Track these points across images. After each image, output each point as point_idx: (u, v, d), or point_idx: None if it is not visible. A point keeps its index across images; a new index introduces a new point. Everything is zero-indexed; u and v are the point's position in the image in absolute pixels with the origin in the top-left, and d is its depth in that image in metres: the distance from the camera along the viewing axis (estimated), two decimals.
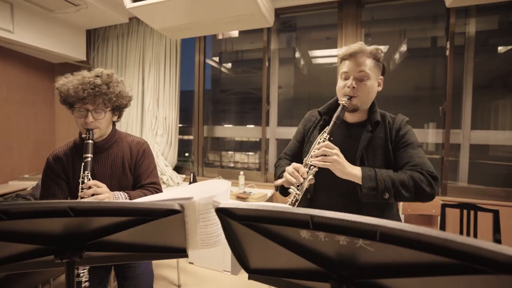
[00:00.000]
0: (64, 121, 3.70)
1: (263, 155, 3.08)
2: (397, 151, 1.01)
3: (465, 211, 1.86)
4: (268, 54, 3.05)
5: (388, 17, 2.95)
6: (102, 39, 3.45)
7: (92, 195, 1.02)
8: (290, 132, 3.17)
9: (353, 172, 0.95)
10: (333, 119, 1.01)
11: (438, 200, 2.35)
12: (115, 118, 1.22)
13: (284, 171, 1.09)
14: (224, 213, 0.54)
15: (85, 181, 1.03)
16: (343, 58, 1.05)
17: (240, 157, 3.79)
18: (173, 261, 2.56)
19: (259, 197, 2.47)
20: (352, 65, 1.01)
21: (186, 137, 3.65)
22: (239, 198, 2.49)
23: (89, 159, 1.05)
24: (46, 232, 0.54)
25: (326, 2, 2.71)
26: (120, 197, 1.10)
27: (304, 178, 0.96)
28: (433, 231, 0.35)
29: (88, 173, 1.04)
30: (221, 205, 0.53)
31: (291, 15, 3.03)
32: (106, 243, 0.59)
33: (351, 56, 1.01)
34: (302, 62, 3.42)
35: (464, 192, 2.43)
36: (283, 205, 0.51)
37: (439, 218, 2.27)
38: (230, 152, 3.84)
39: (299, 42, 3.44)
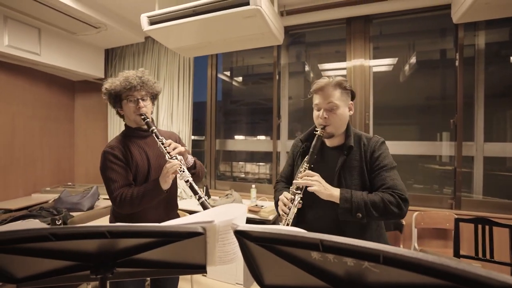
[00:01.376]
0: (82, 136, 3.88)
1: (274, 168, 3.12)
2: (372, 173, 1.11)
3: (479, 226, 1.84)
4: (278, 68, 3.14)
5: (396, 31, 2.99)
6: (119, 57, 3.63)
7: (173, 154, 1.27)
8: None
9: (333, 194, 1.07)
10: (311, 148, 1.15)
11: (452, 214, 2.32)
12: (152, 108, 1.46)
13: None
14: (241, 235, 0.59)
15: (164, 142, 1.28)
16: (312, 92, 1.18)
17: (251, 167, 3.84)
18: None
19: (270, 210, 2.50)
20: (321, 98, 1.14)
21: (197, 149, 3.74)
22: (251, 211, 2.53)
23: (155, 129, 1.31)
24: (84, 250, 0.60)
25: (335, 19, 2.79)
26: (189, 156, 1.38)
27: (292, 201, 1.11)
28: (430, 257, 0.40)
29: (163, 138, 1.29)
30: (239, 228, 0.59)
31: (301, 31, 3.11)
32: (135, 260, 0.66)
33: (319, 90, 1.15)
34: (311, 75, 3.49)
35: (479, 206, 2.39)
36: (296, 229, 0.56)
37: (453, 232, 2.24)
38: (241, 163, 3.90)
39: (308, 56, 3.53)
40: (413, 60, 3.02)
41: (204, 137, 3.68)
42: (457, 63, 2.45)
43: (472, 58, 2.52)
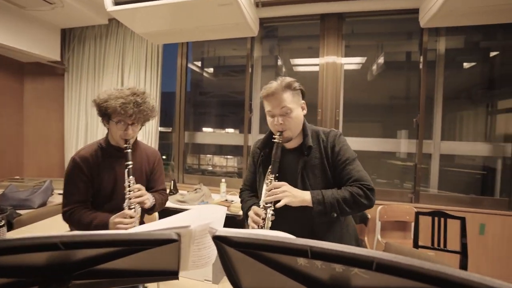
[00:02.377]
0: (32, 125, 3.49)
1: (245, 161, 3.08)
2: (337, 168, 1.11)
3: (436, 218, 1.98)
4: (251, 61, 3.07)
5: (367, 31, 3.08)
6: (78, 39, 3.30)
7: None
8: None
9: (305, 198, 1.05)
10: (272, 158, 1.11)
11: (412, 207, 2.48)
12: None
13: (249, 207, 1.20)
14: (221, 240, 0.54)
15: (131, 185, 1.19)
16: (264, 98, 1.13)
17: (219, 160, 3.77)
18: None
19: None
20: (273, 104, 1.10)
21: (164, 142, 3.57)
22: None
23: (130, 166, 1.20)
24: (31, 263, 0.51)
25: (310, 14, 2.79)
26: (150, 199, 1.30)
27: (264, 219, 1.06)
28: (426, 264, 0.38)
29: (133, 178, 1.20)
30: (219, 233, 0.53)
31: (275, 25, 3.07)
32: (95, 271, 0.57)
33: (269, 96, 1.10)
34: (284, 69, 3.48)
35: (435, 199, 2.58)
36: (282, 235, 0.52)
37: (412, 224, 2.39)
38: (208, 156, 3.80)
39: (281, 51, 3.51)
40: (381, 60, 3.15)
41: (171, 128, 3.52)
42: (421, 66, 2.58)
43: (434, 62, 2.68)
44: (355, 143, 2.79)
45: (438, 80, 2.67)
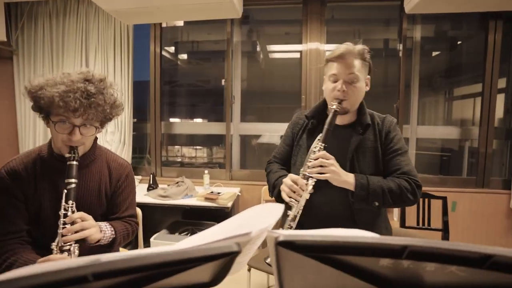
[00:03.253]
0: None
1: (228, 152, 2.97)
2: (386, 156, 1.05)
3: (421, 199, 2.07)
4: (231, 46, 2.92)
5: (347, 17, 3.09)
6: (28, 16, 2.86)
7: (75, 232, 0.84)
8: (254, 128, 3.12)
9: (348, 181, 0.97)
10: (326, 125, 1.00)
11: None
12: (100, 131, 0.99)
13: (279, 177, 1.08)
14: (286, 246, 0.46)
15: (69, 213, 0.82)
16: (329, 60, 1.04)
17: (188, 151, 3.60)
18: None
19: (229, 196, 2.38)
20: (341, 67, 1.00)
21: (135, 133, 3.31)
22: (207, 199, 2.36)
23: (73, 185, 0.84)
24: None
25: None
26: (106, 231, 0.95)
27: (303, 190, 0.95)
28: None
29: (73, 204, 0.83)
30: (284, 238, 0.44)
31: (255, 7, 2.93)
32: None
33: (339, 58, 1.00)
34: (261, 56, 3.37)
35: None
36: (367, 234, 0.45)
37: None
38: (176, 147, 3.62)
39: (258, 36, 3.39)
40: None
41: (144, 120, 3.26)
42: (400, 54, 2.65)
43: (410, 50, 2.77)
44: None
45: (414, 67, 2.76)
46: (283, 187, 0.99)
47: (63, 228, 0.81)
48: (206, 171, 2.73)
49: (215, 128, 3.14)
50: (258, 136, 3.20)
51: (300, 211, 0.95)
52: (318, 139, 1.00)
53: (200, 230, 2.61)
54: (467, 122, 3.04)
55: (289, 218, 0.95)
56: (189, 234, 2.50)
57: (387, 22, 3.00)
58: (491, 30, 2.49)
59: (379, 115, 1.11)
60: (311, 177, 0.96)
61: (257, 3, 2.77)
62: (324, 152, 0.97)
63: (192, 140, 3.66)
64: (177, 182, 2.61)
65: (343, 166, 1.00)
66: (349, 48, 1.00)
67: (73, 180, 0.85)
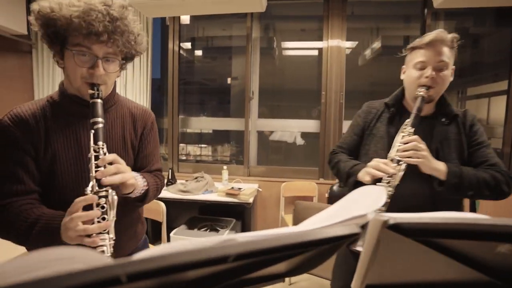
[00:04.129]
0: None
1: (246, 148, 2.95)
2: (471, 148, 1.02)
3: None
4: (250, 42, 2.90)
5: (367, 13, 3.05)
6: None
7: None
8: (271, 124, 3.09)
9: (439, 167, 0.93)
10: (414, 110, 0.96)
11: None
12: (121, 71, 0.86)
13: (354, 166, 1.05)
14: (395, 229, 0.43)
15: (101, 155, 0.70)
16: (416, 47, 0.99)
17: (192, 149, 3.58)
18: None
19: (250, 192, 2.36)
20: (431, 54, 0.96)
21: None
22: (229, 194, 2.34)
23: (101, 125, 0.72)
24: None
25: None
26: (139, 180, 0.82)
27: (394, 173, 0.91)
28: None
29: (104, 145, 0.71)
30: (395, 221, 0.42)
31: (275, 2, 2.90)
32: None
33: (429, 45, 0.96)
34: (277, 52, 3.35)
35: None
36: (486, 217, 0.42)
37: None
38: (182, 145, 3.61)
39: (275, 32, 3.36)
40: (375, 44, 3.15)
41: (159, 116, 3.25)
42: None
43: None
44: None
45: None
46: (369, 170, 0.94)
47: (96, 170, 0.68)
48: (225, 167, 2.71)
49: (233, 124, 3.12)
50: (272, 133, 3.18)
51: (391, 195, 0.90)
52: (406, 124, 0.97)
53: (219, 226, 2.60)
54: (481, 122, 3.00)
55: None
56: (208, 230, 2.48)
57: (408, 18, 2.96)
58: None
59: (458, 109, 1.08)
60: (401, 160, 0.92)
61: None
62: (416, 136, 0.93)
63: (200, 138, 3.64)
64: (196, 178, 2.59)
65: None
66: (440, 34, 0.96)
67: (100, 119, 0.71)
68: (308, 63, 3.36)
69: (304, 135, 3.22)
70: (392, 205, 0.89)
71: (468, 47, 3.07)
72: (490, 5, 2.03)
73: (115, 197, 0.70)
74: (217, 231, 2.46)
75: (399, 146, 0.93)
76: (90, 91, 0.74)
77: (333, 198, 2.59)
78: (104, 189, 0.68)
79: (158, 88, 3.65)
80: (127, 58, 0.82)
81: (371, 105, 1.16)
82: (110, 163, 0.71)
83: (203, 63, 3.72)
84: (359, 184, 0.99)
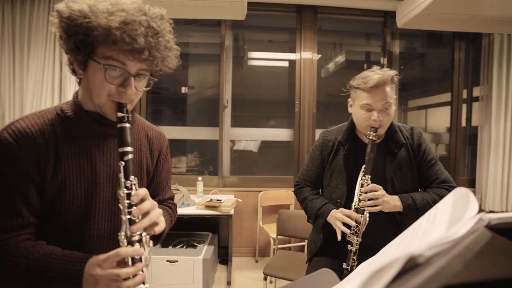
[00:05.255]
0: None
1: (220, 158, 2.86)
2: (422, 168, 1.10)
3: None
4: (224, 50, 2.85)
5: (332, 28, 3.26)
6: None
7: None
8: (245, 134, 3.05)
9: (397, 205, 1.03)
10: (367, 157, 1.01)
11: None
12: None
13: (322, 206, 1.11)
14: (496, 230, 0.43)
15: (133, 192, 0.60)
16: (361, 89, 1.02)
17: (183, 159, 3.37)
18: None
19: (231, 203, 2.27)
20: (376, 98, 1.00)
21: None
22: (209, 207, 2.22)
23: (131, 155, 0.62)
24: None
25: (287, 4, 2.75)
26: (161, 218, 0.70)
27: (358, 224, 0.99)
28: None
29: (135, 179, 0.61)
30: (499, 221, 0.42)
31: (252, 13, 2.92)
32: None
33: (373, 88, 0.99)
34: (247, 62, 3.36)
35: None
36: None
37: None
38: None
39: (244, 42, 3.38)
40: (339, 58, 3.38)
41: None
42: (385, 67, 2.88)
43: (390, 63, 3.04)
44: None
45: None
46: (336, 223, 1.02)
47: (128, 211, 0.58)
48: (199, 178, 2.58)
49: (206, 133, 3.00)
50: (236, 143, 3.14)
51: (359, 244, 0.99)
52: (363, 171, 1.02)
53: (196, 241, 2.44)
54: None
55: (352, 252, 0.99)
56: (184, 246, 2.31)
57: (368, 36, 3.25)
58: (457, 48, 2.87)
59: (404, 126, 1.15)
60: (363, 210, 0.99)
61: (256, 9, 2.76)
62: (373, 185, 0.99)
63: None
64: None
65: (384, 187, 1.02)
66: (382, 78, 0.99)
67: (130, 149, 0.62)
68: (277, 74, 3.44)
69: (274, 144, 3.25)
70: (364, 248, 0.97)
71: (416, 64, 3.48)
72: (445, 29, 2.34)
73: (150, 242, 0.62)
74: (194, 246, 2.30)
75: (360, 195, 1.00)
76: (120, 114, 0.63)
77: None
78: (137, 234, 0.59)
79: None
80: (155, 74, 0.71)
81: (326, 137, 1.20)
82: (142, 200, 0.62)
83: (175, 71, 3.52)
84: (326, 224, 1.09)
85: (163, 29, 0.64)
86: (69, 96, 2.38)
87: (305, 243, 2.60)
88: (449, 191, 1.00)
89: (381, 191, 0.99)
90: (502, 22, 2.19)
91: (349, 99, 1.13)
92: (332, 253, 1.15)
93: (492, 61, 2.69)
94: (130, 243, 0.58)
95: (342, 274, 1.11)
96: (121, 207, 0.59)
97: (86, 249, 0.66)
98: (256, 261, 2.71)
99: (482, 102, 2.80)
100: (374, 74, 1.00)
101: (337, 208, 1.09)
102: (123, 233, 0.58)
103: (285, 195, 2.76)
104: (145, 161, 0.80)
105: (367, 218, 0.99)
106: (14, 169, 0.59)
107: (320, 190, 1.26)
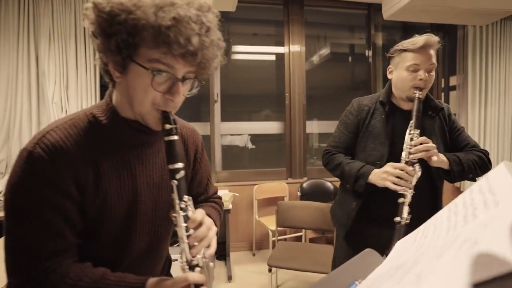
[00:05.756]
0: None
1: (213, 153, 2.81)
2: (453, 134, 1.18)
3: None
4: None
5: (317, 21, 3.29)
6: None
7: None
8: (235, 128, 3.03)
9: (444, 160, 1.06)
10: (415, 112, 1.04)
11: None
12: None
13: (361, 168, 1.09)
14: None
15: (189, 213, 0.55)
16: (408, 50, 1.06)
17: None
18: None
19: (228, 198, 2.25)
20: (423, 58, 1.04)
21: None
22: None
23: (183, 172, 0.56)
24: None
25: None
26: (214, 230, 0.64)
27: (412, 176, 1.00)
28: None
29: (189, 200, 0.57)
30: None
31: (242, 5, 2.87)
32: None
33: (421, 49, 1.04)
34: (232, 56, 3.32)
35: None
36: None
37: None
38: None
39: (229, 34, 3.33)
40: (323, 51, 3.43)
41: None
42: (370, 60, 2.97)
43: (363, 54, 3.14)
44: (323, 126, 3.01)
45: (378, 69, 3.13)
46: (387, 177, 1.01)
47: (186, 236, 0.54)
48: None
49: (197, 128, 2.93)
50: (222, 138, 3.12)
51: (412, 196, 1.00)
52: (411, 126, 1.05)
53: None
54: None
55: (406, 203, 0.99)
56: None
57: (352, 29, 3.32)
58: None
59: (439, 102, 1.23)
60: (415, 162, 1.01)
61: (244, 1, 2.72)
62: (425, 138, 1.02)
63: None
64: None
65: None
66: (430, 39, 1.04)
67: (181, 165, 0.56)
68: (263, 68, 3.43)
69: (263, 137, 3.25)
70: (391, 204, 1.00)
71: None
72: (427, 21, 2.45)
73: (211, 264, 0.59)
74: None
75: (410, 148, 1.02)
76: (168, 126, 0.55)
77: (305, 195, 2.69)
78: (196, 260, 0.55)
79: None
80: (201, 76, 0.61)
81: (361, 102, 1.21)
82: (200, 224, 0.57)
83: None
84: (369, 186, 1.07)
85: (213, 24, 0.55)
86: (49, 95, 2.22)
87: (302, 233, 2.65)
88: (483, 153, 1.12)
89: (434, 145, 1.02)
90: (477, 14, 2.34)
91: (389, 66, 1.16)
92: (367, 218, 1.13)
93: (467, 51, 2.86)
94: (191, 268, 0.54)
95: (379, 238, 1.01)
96: (178, 230, 0.55)
97: (126, 264, 0.63)
98: (254, 255, 2.72)
99: (459, 90, 2.98)
100: (420, 37, 1.04)
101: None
102: (183, 259, 0.54)
103: (279, 187, 2.78)
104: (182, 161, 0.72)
105: (419, 172, 1.00)
106: (53, 188, 0.53)
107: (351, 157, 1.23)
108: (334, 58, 3.33)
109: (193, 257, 0.54)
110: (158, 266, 0.74)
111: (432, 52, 1.06)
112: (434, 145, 1.02)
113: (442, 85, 3.15)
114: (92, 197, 0.57)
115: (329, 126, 2.96)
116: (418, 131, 1.03)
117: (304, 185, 2.74)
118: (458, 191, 2.97)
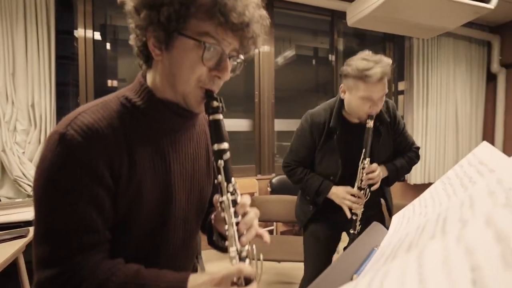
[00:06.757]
0: None
1: None
2: (398, 136, 1.29)
3: None
4: None
5: (283, 23, 3.42)
6: None
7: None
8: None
9: (385, 174, 1.25)
10: (366, 142, 1.11)
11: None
12: None
13: (321, 184, 1.22)
14: None
15: (238, 199, 0.53)
16: (363, 80, 1.03)
17: None
18: None
19: None
20: (379, 89, 1.04)
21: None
22: None
23: (229, 153, 0.53)
24: None
25: None
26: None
27: (362, 198, 1.17)
28: None
29: (235, 183, 0.53)
30: None
31: None
32: None
33: (378, 81, 1.02)
34: None
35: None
36: None
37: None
38: None
39: None
40: (288, 53, 3.58)
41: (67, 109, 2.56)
42: (333, 63, 3.19)
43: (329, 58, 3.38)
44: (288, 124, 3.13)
45: (337, 73, 3.38)
46: (345, 202, 1.17)
47: (236, 223, 0.51)
48: None
49: None
50: None
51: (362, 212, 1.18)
52: (363, 155, 1.13)
53: None
54: None
55: (358, 220, 1.17)
56: None
57: (316, 33, 3.52)
58: (387, 48, 3.37)
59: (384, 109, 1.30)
60: (365, 188, 1.16)
61: None
62: (372, 166, 1.15)
63: None
64: None
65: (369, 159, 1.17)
66: (385, 70, 1.00)
67: (227, 146, 0.53)
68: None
69: (232, 135, 3.27)
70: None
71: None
72: (384, 31, 2.72)
73: (261, 256, 0.56)
74: None
75: (362, 176, 1.15)
76: (215, 103, 0.53)
77: (275, 190, 2.77)
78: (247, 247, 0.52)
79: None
80: (244, 55, 0.59)
81: (315, 119, 1.22)
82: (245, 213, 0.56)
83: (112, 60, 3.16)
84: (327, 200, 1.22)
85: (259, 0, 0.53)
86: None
87: (273, 226, 2.73)
88: (414, 152, 1.30)
89: (378, 171, 1.16)
90: (422, 28, 2.68)
91: (341, 85, 1.14)
92: (324, 219, 1.30)
93: (412, 60, 3.25)
94: (242, 259, 0.51)
95: (338, 237, 1.34)
96: (225, 216, 0.51)
97: (161, 263, 0.58)
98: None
99: (406, 94, 3.37)
100: (375, 67, 0.99)
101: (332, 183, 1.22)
102: (233, 249, 0.50)
103: (249, 184, 2.82)
104: (211, 153, 0.68)
105: (369, 194, 1.16)
106: (88, 174, 0.47)
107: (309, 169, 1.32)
108: (299, 60, 3.50)
109: (243, 246, 0.51)
110: (190, 263, 0.70)
111: (386, 81, 1.04)
112: (379, 172, 1.17)
113: (393, 90, 3.53)
114: (126, 184, 0.52)
115: (291, 124, 3.12)
116: (368, 159, 1.13)
117: (274, 180, 2.83)
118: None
